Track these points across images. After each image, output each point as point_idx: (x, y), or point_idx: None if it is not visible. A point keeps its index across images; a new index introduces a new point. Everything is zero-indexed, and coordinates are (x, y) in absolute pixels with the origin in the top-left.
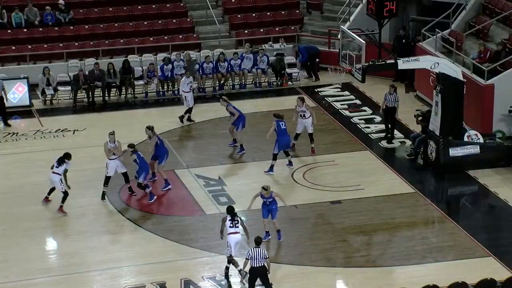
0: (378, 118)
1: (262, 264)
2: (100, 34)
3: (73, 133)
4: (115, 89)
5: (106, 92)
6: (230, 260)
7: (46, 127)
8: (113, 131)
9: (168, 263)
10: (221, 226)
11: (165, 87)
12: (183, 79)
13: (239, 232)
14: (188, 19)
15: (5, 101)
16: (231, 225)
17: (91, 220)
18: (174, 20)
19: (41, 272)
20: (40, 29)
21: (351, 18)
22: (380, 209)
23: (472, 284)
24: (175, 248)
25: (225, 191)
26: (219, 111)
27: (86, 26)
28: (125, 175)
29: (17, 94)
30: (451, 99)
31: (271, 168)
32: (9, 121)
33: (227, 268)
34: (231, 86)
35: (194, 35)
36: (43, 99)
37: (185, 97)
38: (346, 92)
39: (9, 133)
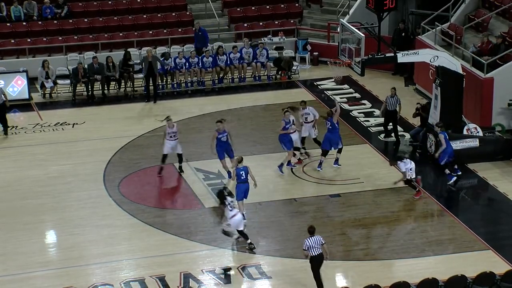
0: (377, 112)
1: (320, 252)
2: (99, 28)
3: (73, 127)
4: (114, 83)
5: (106, 86)
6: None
7: (46, 120)
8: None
9: (167, 256)
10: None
11: (164, 80)
12: (300, 110)
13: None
14: (188, 13)
15: (6, 108)
16: (230, 208)
17: (90, 214)
18: (173, 14)
19: (40, 265)
20: (39, 22)
21: (351, 12)
22: (379, 202)
23: (471, 277)
24: (174, 241)
25: (225, 185)
26: (218, 105)
27: (85, 20)
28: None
29: (16, 87)
30: (451, 92)
31: (320, 165)
32: (8, 115)
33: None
34: (230, 80)
35: (194, 29)
36: (42, 92)
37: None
38: (346, 86)
39: (9, 127)
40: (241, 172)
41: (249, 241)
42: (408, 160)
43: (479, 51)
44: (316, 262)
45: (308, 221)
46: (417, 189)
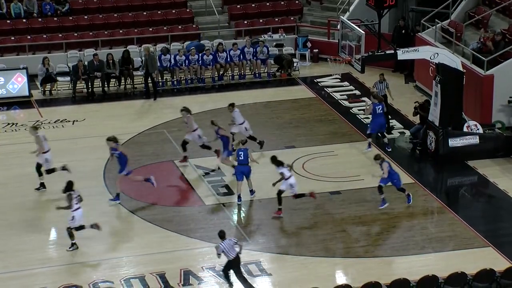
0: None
1: (236, 253)
2: (99, 25)
3: (73, 124)
4: (114, 80)
5: (106, 83)
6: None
7: (46, 117)
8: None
9: (168, 253)
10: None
11: (164, 77)
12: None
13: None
14: (188, 10)
15: None
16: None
17: (90, 210)
18: (173, 11)
19: (40, 262)
20: (40, 19)
21: (351, 9)
22: (380, 199)
23: (471, 274)
24: (175, 238)
25: (224, 181)
26: (218, 102)
27: (86, 17)
28: None
29: (16, 84)
30: (451, 89)
31: (369, 146)
32: (9, 112)
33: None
34: (230, 77)
35: (194, 26)
36: (42, 89)
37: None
38: (346, 83)
39: (8, 124)
40: (240, 153)
41: (73, 241)
42: (287, 171)
43: (483, 44)
44: (235, 264)
45: (308, 218)
46: (280, 207)
